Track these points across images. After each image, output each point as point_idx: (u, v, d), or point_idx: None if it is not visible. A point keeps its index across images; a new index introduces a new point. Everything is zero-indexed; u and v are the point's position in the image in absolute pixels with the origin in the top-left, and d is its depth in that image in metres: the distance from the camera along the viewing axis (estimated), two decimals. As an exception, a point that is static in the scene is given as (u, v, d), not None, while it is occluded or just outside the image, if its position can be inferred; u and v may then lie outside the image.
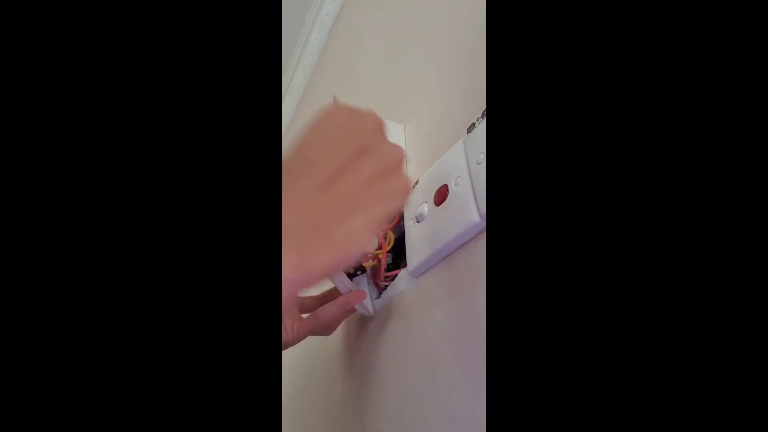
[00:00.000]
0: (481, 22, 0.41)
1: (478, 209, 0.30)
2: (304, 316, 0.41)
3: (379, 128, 0.28)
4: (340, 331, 0.48)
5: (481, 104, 0.36)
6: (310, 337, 0.41)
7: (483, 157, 0.31)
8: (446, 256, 0.33)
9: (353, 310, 0.41)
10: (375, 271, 0.41)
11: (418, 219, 0.36)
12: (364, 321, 0.44)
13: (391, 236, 0.40)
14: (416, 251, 0.36)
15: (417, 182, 0.39)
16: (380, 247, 0.39)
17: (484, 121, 0.32)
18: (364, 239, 0.25)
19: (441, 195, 0.34)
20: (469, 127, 0.34)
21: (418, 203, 0.37)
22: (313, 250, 0.23)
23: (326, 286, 0.44)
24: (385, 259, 0.41)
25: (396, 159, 0.27)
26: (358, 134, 0.27)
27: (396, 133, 0.50)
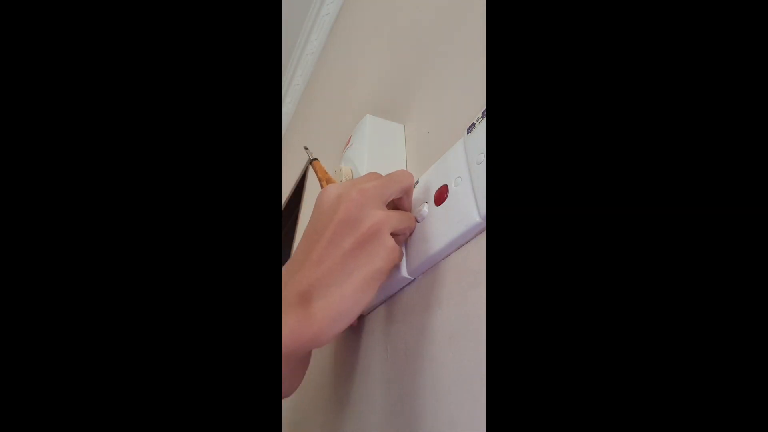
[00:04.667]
0: (481, 21, 0.41)
1: (478, 209, 0.30)
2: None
3: (365, 199, 0.31)
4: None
5: (481, 104, 0.36)
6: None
7: (483, 157, 0.31)
8: (446, 256, 0.33)
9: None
10: None
11: (418, 219, 0.36)
12: (363, 321, 0.44)
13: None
14: (416, 251, 0.36)
15: (417, 182, 0.39)
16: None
17: (484, 121, 0.32)
18: (352, 300, 0.28)
19: (441, 195, 0.34)
20: (469, 127, 0.34)
21: (418, 203, 0.37)
22: (303, 321, 0.27)
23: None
24: None
25: (377, 226, 0.30)
26: (341, 211, 0.30)
27: (396, 133, 0.50)
